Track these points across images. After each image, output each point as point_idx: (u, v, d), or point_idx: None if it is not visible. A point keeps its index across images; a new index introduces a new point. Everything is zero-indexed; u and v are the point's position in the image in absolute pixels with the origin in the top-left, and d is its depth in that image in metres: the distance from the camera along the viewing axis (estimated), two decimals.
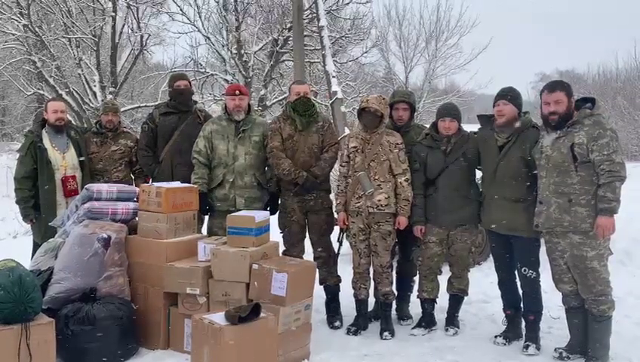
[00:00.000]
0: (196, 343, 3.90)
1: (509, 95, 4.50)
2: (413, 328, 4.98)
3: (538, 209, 4.25)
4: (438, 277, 4.99)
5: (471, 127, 5.16)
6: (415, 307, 5.21)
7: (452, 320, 4.99)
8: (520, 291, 4.70)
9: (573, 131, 4.05)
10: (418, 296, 5.03)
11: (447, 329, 4.93)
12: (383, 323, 4.90)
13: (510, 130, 4.47)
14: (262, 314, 3.91)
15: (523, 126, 4.47)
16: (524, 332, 4.66)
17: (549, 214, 4.15)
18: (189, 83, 5.81)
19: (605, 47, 64.56)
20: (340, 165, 4.91)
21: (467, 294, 5.02)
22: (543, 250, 4.46)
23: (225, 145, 5.10)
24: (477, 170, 4.88)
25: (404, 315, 5.19)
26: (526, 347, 4.51)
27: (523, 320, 4.66)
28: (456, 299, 5.00)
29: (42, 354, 3.81)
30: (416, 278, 5.09)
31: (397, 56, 24.53)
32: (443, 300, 5.07)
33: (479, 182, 4.87)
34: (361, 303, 4.95)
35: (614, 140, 3.99)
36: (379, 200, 4.71)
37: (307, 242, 5.21)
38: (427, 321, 4.99)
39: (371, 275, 4.93)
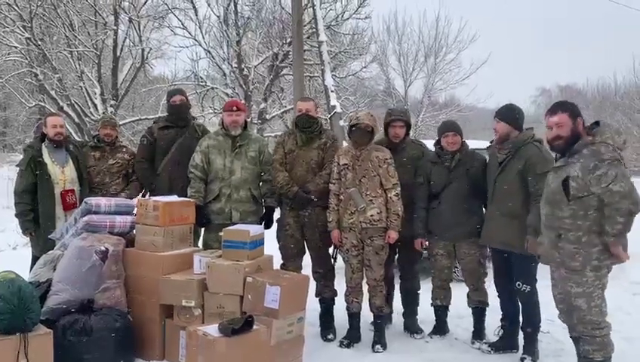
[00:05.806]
0: (190, 354, 3.97)
1: (500, 113, 4.64)
2: (428, 334, 5.17)
3: (540, 239, 4.03)
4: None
5: (470, 142, 5.26)
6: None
7: (479, 334, 5.02)
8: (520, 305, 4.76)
9: (571, 162, 3.72)
10: (432, 304, 5.17)
11: (473, 343, 4.99)
12: (375, 336, 4.95)
13: (507, 146, 4.55)
14: (255, 327, 3.97)
15: (520, 141, 4.50)
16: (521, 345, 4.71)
17: (545, 247, 3.92)
18: (186, 97, 5.85)
19: (604, 61, 64.83)
20: (331, 183, 4.95)
21: (488, 305, 5.04)
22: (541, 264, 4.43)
23: (222, 159, 5.19)
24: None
25: (415, 330, 5.24)
26: (522, 359, 4.57)
27: (522, 332, 4.69)
28: (479, 311, 5.05)
29: None
30: (420, 291, 5.25)
31: (396, 71, 24.81)
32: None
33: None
34: (353, 316, 5.00)
35: (614, 168, 3.56)
36: (371, 216, 4.79)
37: (307, 257, 5.26)
38: (440, 328, 5.16)
39: (364, 289, 4.98)
